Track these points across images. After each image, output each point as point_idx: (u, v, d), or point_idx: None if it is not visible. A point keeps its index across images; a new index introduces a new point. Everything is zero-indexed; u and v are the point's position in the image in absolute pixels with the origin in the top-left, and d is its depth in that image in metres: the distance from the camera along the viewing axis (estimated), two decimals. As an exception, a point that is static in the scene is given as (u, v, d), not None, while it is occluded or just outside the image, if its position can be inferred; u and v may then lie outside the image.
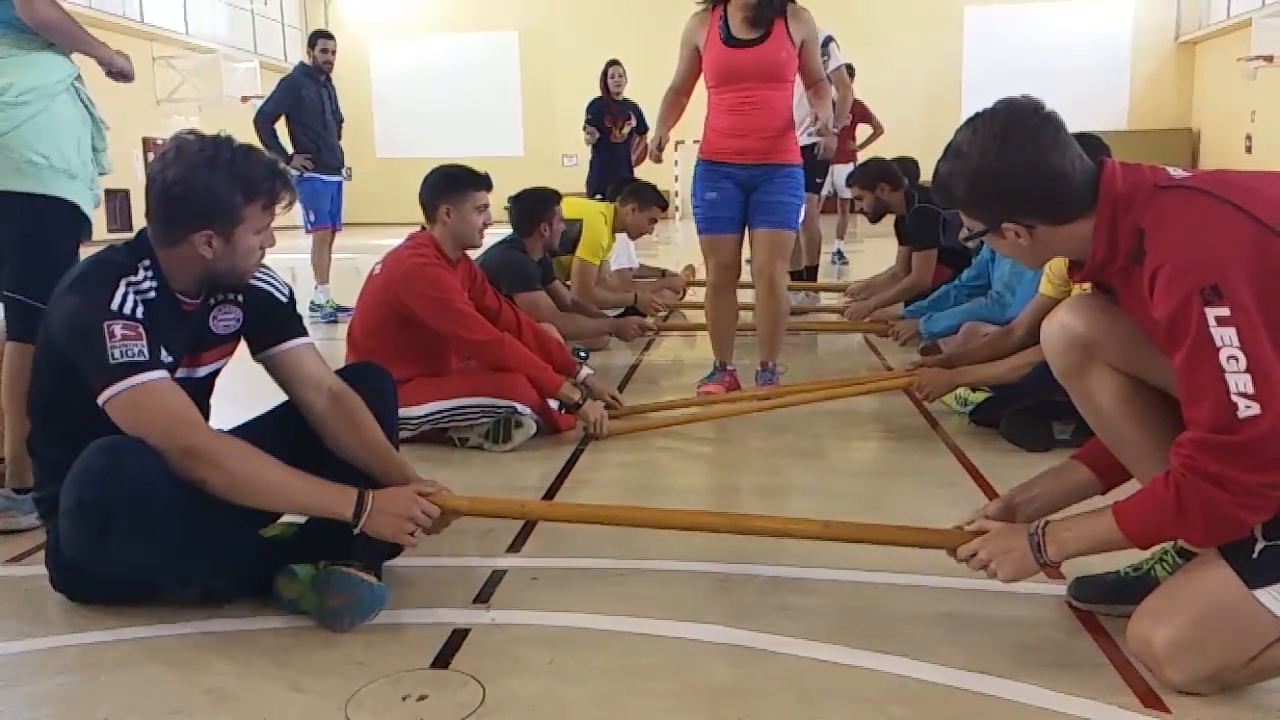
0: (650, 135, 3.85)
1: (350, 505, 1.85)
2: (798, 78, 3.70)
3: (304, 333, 2.13)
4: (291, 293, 2.15)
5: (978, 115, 1.62)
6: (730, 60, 3.59)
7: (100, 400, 1.77)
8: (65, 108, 2.49)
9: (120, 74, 2.71)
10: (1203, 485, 1.44)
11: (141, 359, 1.77)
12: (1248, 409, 1.39)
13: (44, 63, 2.46)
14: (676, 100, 3.82)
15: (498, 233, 4.21)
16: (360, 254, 9.78)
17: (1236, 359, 1.40)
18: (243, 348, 2.13)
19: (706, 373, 3.93)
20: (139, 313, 1.82)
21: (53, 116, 2.45)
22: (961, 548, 1.76)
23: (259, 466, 1.82)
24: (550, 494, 2.74)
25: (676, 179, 16.31)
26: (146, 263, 1.90)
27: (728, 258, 3.80)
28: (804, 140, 4.57)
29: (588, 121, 7.42)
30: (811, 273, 6.66)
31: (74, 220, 2.51)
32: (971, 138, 1.60)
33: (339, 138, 6.78)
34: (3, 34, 2.42)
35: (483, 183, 3.28)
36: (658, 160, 3.86)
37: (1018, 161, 1.56)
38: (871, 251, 8.74)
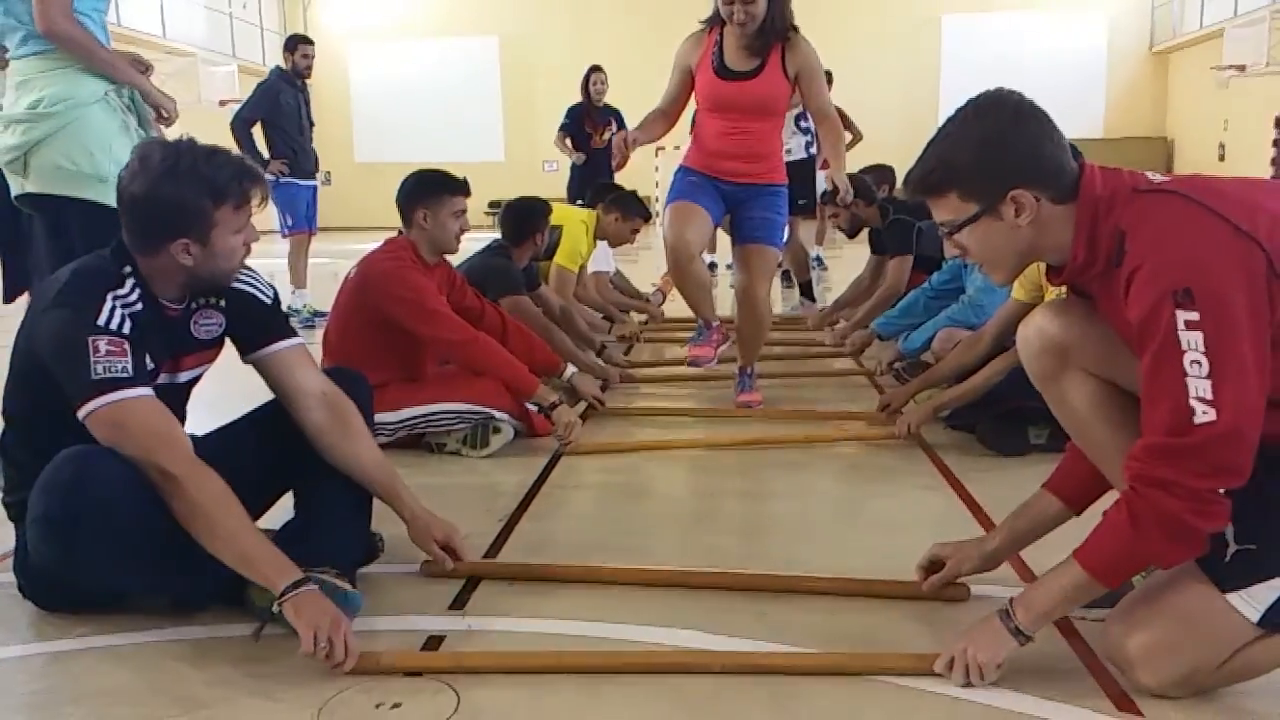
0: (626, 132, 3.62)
1: (285, 582, 1.72)
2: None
3: (291, 334, 2.10)
4: (276, 294, 2.12)
5: (974, 99, 1.59)
6: (720, 92, 3.50)
7: (80, 414, 1.74)
8: (98, 117, 2.62)
9: (159, 111, 2.80)
10: (1153, 494, 1.44)
11: (124, 375, 1.75)
12: (1204, 414, 1.39)
13: (75, 76, 2.61)
14: (659, 120, 3.65)
15: (477, 238, 4.20)
16: (339, 259, 9.71)
17: (1200, 363, 1.39)
18: (231, 353, 2.11)
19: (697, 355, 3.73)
20: (126, 328, 1.79)
21: (84, 125, 2.60)
22: (937, 662, 1.66)
23: (222, 511, 1.75)
24: (527, 501, 2.72)
25: (657, 184, 16.30)
26: (128, 269, 1.88)
27: (693, 231, 3.51)
28: (789, 157, 4.56)
29: (566, 129, 7.41)
30: (806, 289, 6.61)
31: (105, 222, 2.57)
32: (976, 112, 1.57)
33: (312, 142, 6.76)
34: (42, 52, 2.60)
35: (460, 188, 3.26)
36: (620, 162, 3.58)
37: (1031, 127, 1.55)
38: (850, 257, 8.77)
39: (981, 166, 1.56)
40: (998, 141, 1.54)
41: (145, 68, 3.09)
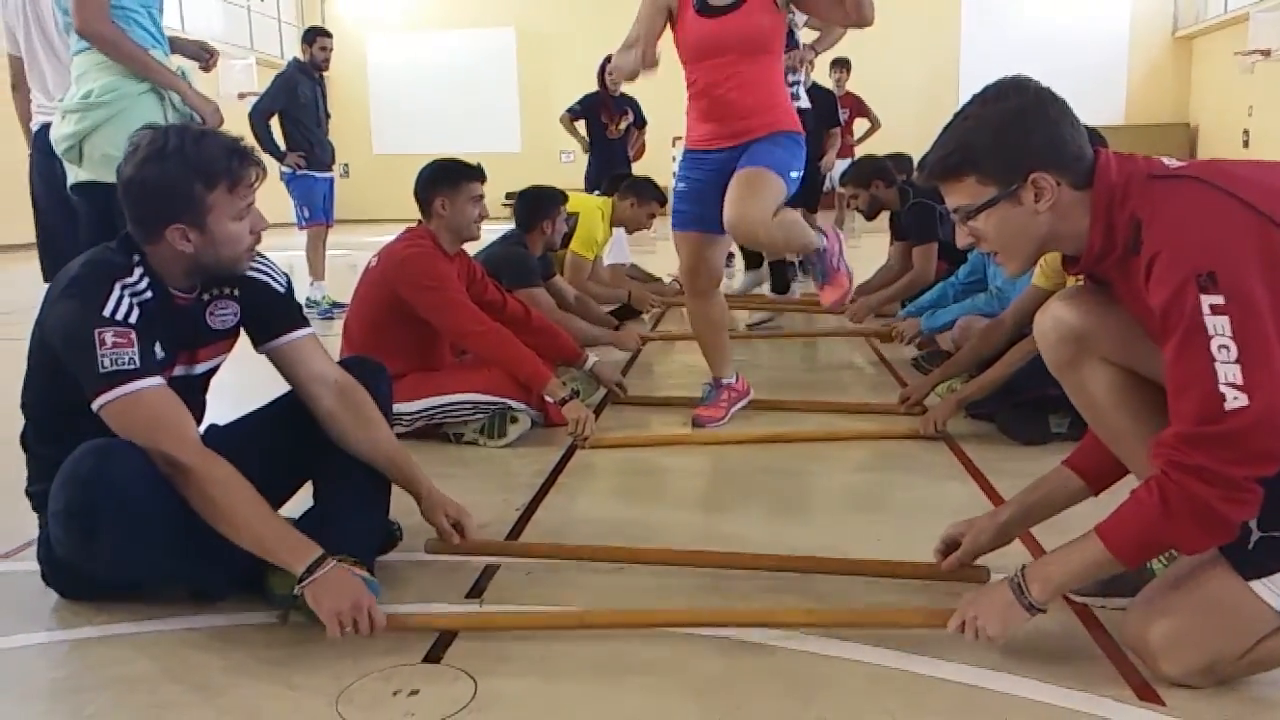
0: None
1: (304, 563, 1.72)
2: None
3: (304, 323, 2.10)
4: (289, 283, 2.12)
5: (993, 84, 1.57)
6: (703, 32, 3.10)
7: (94, 407, 1.75)
8: (145, 108, 2.78)
9: (198, 115, 2.91)
10: (1186, 480, 1.41)
11: (131, 367, 1.74)
12: (1235, 400, 1.36)
13: (122, 69, 2.77)
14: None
15: (496, 228, 4.20)
16: (357, 250, 9.76)
17: (1228, 348, 1.37)
18: (245, 343, 2.11)
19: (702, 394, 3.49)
20: (133, 317, 1.79)
21: (131, 115, 2.72)
22: (949, 621, 1.65)
23: (234, 497, 1.76)
24: (544, 490, 2.72)
25: (675, 175, 16.28)
26: (137, 258, 1.88)
27: (692, 260, 3.33)
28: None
29: (574, 112, 7.39)
30: (776, 273, 6.05)
31: None
32: (997, 95, 1.55)
33: (328, 134, 6.79)
34: (92, 48, 2.76)
35: (477, 174, 3.27)
36: (651, 65, 3.16)
37: (1052, 111, 1.52)
38: (870, 247, 8.72)
39: (1002, 148, 1.53)
40: (1019, 123, 1.52)
41: (210, 54, 3.25)
